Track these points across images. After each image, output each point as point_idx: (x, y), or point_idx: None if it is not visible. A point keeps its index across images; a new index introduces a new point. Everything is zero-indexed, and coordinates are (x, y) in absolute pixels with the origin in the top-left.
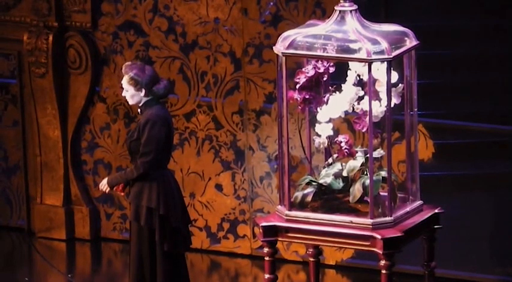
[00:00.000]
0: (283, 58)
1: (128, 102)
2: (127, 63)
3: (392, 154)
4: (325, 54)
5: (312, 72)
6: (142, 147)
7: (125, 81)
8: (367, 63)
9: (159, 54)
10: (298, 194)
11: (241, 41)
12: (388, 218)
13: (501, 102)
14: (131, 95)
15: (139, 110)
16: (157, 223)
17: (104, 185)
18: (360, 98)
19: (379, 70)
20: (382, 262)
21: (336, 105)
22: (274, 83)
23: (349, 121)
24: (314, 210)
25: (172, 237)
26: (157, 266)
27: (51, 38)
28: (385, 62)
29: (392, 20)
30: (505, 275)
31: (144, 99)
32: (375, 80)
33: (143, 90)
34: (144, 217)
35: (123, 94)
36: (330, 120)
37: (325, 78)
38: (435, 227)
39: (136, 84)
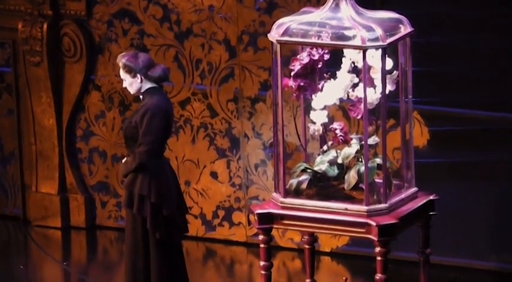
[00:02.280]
0: (278, 45)
1: (125, 91)
2: (121, 53)
3: (387, 141)
4: (320, 41)
5: (306, 60)
6: (141, 137)
7: (121, 71)
8: (361, 50)
9: (154, 42)
10: (293, 181)
11: (236, 28)
12: (383, 205)
13: (497, 90)
14: (129, 83)
15: (141, 97)
16: (149, 211)
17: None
18: (355, 85)
19: (374, 57)
20: (378, 249)
21: (330, 92)
22: (269, 70)
23: (344, 108)
24: (309, 197)
25: (165, 225)
26: (150, 254)
27: (45, 26)
28: (380, 49)
29: (388, 8)
30: (500, 262)
31: (145, 87)
32: (369, 67)
33: (138, 76)
34: (136, 204)
35: (123, 85)
36: (325, 108)
37: (320, 66)
38: (430, 213)
39: (130, 70)
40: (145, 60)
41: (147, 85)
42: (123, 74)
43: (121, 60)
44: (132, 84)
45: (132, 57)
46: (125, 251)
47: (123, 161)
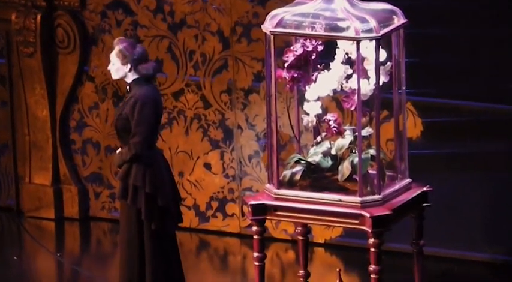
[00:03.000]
0: (272, 37)
1: (118, 82)
2: (120, 37)
3: (381, 132)
4: (313, 32)
5: (300, 51)
6: (134, 127)
7: (113, 54)
8: (355, 42)
9: (148, 33)
10: (287, 173)
11: (230, 20)
12: (376, 196)
13: (490, 81)
14: (116, 68)
15: (128, 87)
16: (143, 201)
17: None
18: (348, 77)
19: (368, 48)
20: (371, 240)
21: (324, 83)
22: (263, 61)
23: (337, 99)
24: (303, 188)
25: (160, 216)
26: (145, 245)
27: (39, 17)
28: (374, 40)
29: None
30: (494, 254)
31: (130, 77)
32: (363, 58)
33: (129, 66)
34: (131, 195)
35: (108, 67)
36: (319, 99)
37: (313, 57)
38: (424, 205)
39: (123, 57)
40: (141, 52)
41: (133, 76)
42: (114, 57)
43: (118, 45)
44: (118, 70)
45: (130, 45)
46: (119, 242)
47: (117, 151)
